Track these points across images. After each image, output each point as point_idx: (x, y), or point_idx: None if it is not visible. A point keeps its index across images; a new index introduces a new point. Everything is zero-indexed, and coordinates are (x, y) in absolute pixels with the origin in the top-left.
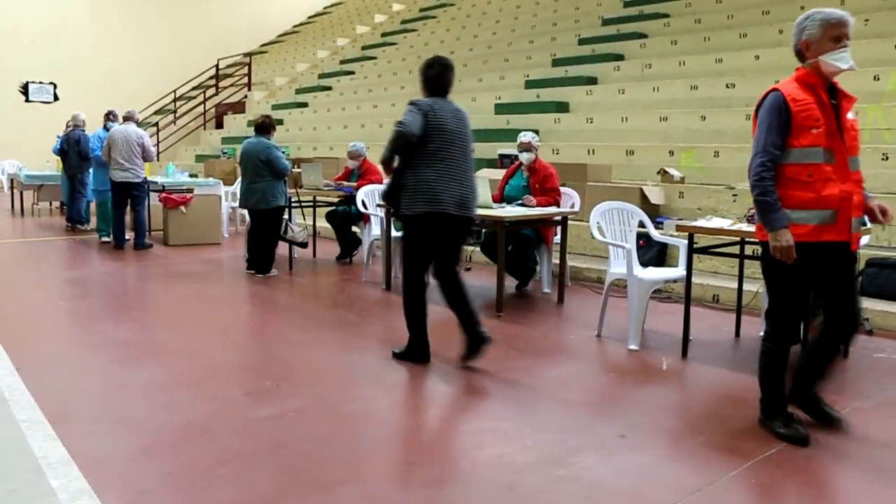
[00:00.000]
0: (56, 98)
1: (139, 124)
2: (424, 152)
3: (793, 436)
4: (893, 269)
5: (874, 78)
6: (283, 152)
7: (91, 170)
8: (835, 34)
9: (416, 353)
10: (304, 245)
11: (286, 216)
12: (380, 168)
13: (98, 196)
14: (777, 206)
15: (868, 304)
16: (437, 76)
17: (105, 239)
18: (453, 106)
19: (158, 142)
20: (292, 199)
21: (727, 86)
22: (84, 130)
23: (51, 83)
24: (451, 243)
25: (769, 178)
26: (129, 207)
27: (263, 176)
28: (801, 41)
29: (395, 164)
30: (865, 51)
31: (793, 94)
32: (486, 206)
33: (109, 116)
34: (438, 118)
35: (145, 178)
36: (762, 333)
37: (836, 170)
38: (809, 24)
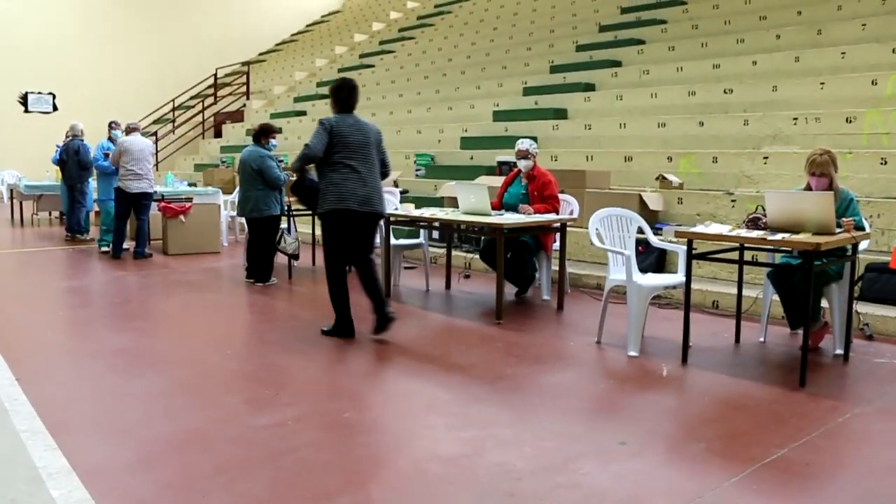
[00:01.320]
0: (55, 108)
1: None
2: (331, 161)
3: None
4: (893, 273)
5: (872, 82)
6: (282, 161)
7: (91, 179)
8: None
9: (342, 329)
10: (294, 257)
11: (284, 226)
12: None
13: (103, 206)
14: None
15: (867, 309)
16: (348, 97)
17: (105, 249)
18: (357, 120)
19: (157, 151)
20: (291, 208)
21: (725, 91)
22: (83, 140)
23: (50, 93)
24: (360, 235)
25: None
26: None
27: (257, 185)
28: None
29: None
30: (863, 55)
31: None
32: (485, 213)
33: (112, 126)
34: (342, 133)
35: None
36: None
37: None
38: None
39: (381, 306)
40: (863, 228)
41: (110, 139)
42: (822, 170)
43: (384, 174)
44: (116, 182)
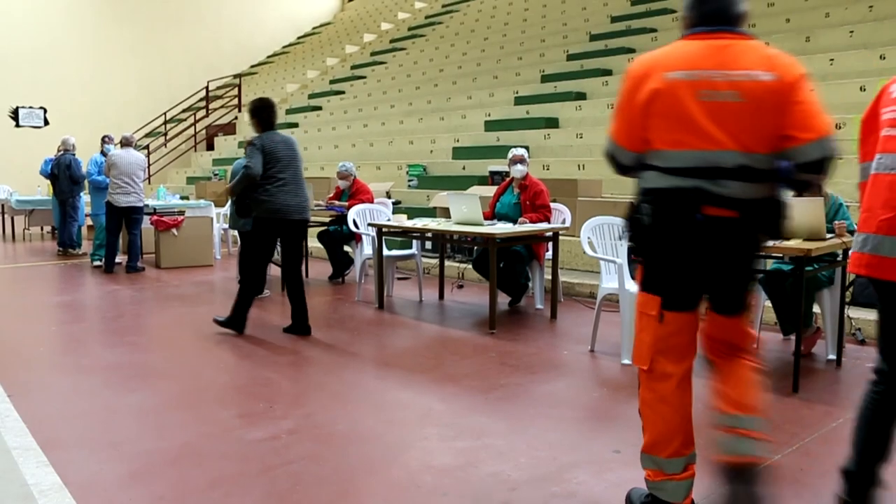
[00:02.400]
0: (46, 122)
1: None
2: (266, 175)
3: None
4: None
5: (860, 88)
6: None
7: (82, 194)
8: None
9: (234, 324)
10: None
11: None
12: (369, 187)
13: (96, 220)
14: None
15: (859, 314)
16: (269, 117)
17: (97, 263)
18: (282, 136)
19: (149, 164)
20: None
21: None
22: (74, 154)
23: (41, 108)
24: (292, 243)
25: None
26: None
27: None
28: None
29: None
30: (851, 62)
31: None
32: (477, 223)
33: (105, 140)
34: (273, 149)
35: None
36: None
37: None
38: None
39: (302, 317)
40: (854, 232)
41: (103, 153)
42: None
43: None
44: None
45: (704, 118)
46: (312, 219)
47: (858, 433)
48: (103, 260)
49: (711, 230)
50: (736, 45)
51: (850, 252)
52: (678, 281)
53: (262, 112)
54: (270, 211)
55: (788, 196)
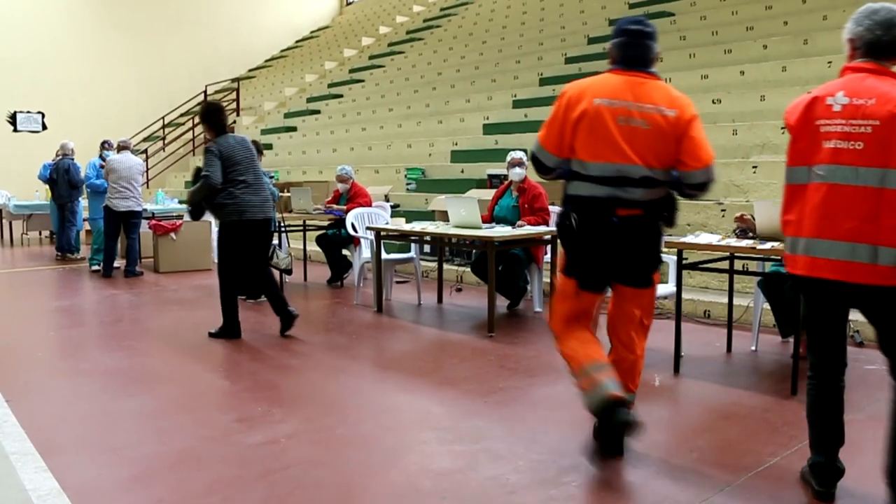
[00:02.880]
0: (44, 127)
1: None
2: (228, 180)
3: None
4: None
5: None
6: (272, 177)
7: (80, 199)
8: None
9: (229, 332)
10: (287, 272)
11: (275, 241)
12: (367, 191)
13: (95, 225)
14: None
15: (857, 317)
16: (219, 120)
17: (95, 268)
18: (237, 138)
19: (147, 169)
20: (281, 224)
21: (713, 101)
22: (73, 159)
23: (39, 112)
24: (258, 243)
25: None
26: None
27: None
28: None
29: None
30: None
31: None
32: (475, 226)
33: (105, 145)
34: (230, 153)
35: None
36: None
37: None
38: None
39: (284, 308)
40: None
41: (101, 158)
42: None
43: None
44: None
45: (620, 138)
46: (310, 222)
47: (812, 427)
48: (101, 264)
49: (623, 227)
50: (648, 84)
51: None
52: (593, 269)
53: (212, 116)
54: (236, 213)
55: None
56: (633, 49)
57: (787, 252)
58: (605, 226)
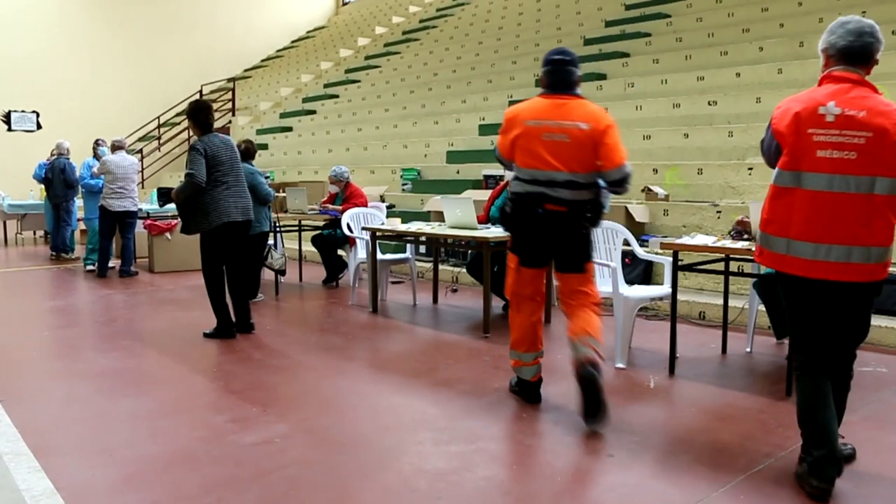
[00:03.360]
0: (39, 126)
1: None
2: (211, 180)
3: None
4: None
5: None
6: (267, 177)
7: (76, 198)
8: None
9: (223, 332)
10: (282, 272)
11: (270, 241)
12: (363, 191)
13: (90, 224)
14: None
15: None
16: (206, 118)
17: (90, 268)
18: (221, 138)
19: (143, 168)
20: (277, 225)
21: (709, 103)
22: (69, 159)
23: (33, 112)
24: (237, 245)
25: None
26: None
27: None
28: None
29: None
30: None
31: None
32: (471, 227)
33: (99, 143)
34: (215, 153)
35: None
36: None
37: None
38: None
39: (246, 317)
40: None
41: (96, 157)
42: None
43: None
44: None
45: (545, 151)
46: (306, 223)
47: (809, 424)
48: (96, 264)
49: (548, 219)
50: (569, 103)
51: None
52: (528, 249)
53: (199, 114)
54: (218, 215)
55: (607, 199)
56: (556, 75)
57: (767, 248)
58: (533, 216)
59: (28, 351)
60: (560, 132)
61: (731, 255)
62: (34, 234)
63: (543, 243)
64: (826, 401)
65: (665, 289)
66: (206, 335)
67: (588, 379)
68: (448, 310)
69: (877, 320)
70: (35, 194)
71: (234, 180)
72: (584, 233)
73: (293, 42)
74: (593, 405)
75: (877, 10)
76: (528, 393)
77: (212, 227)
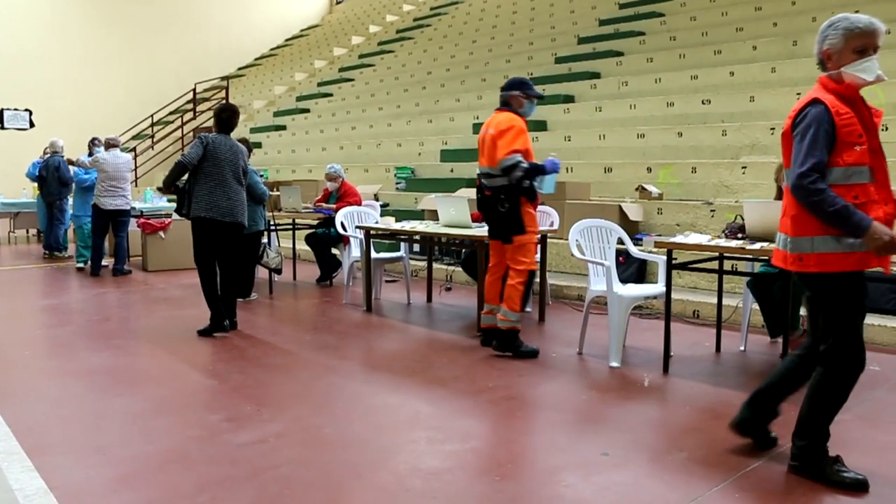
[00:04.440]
0: (32, 125)
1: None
2: (202, 173)
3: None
4: (869, 281)
5: None
6: (262, 176)
7: (69, 197)
8: (858, 45)
9: (216, 327)
10: (277, 271)
11: (265, 240)
12: (357, 190)
13: (77, 221)
14: (852, 207)
15: None
16: (228, 119)
17: (81, 265)
18: (231, 142)
19: (136, 167)
20: (271, 223)
21: (703, 102)
22: (63, 157)
23: (26, 110)
24: (222, 242)
25: (825, 186)
26: (107, 234)
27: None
28: (822, 50)
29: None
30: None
31: (836, 107)
32: (465, 225)
33: (94, 142)
34: (215, 149)
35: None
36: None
37: (878, 190)
38: (832, 33)
39: (230, 313)
40: None
41: (91, 156)
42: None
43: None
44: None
45: (480, 151)
46: (300, 221)
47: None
48: (88, 262)
49: (484, 200)
50: (495, 115)
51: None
52: (488, 224)
53: (222, 113)
54: (198, 207)
55: (541, 182)
56: (503, 94)
57: (847, 251)
58: (481, 198)
59: (21, 349)
60: (483, 136)
61: (725, 254)
62: (27, 232)
63: (487, 219)
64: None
65: (659, 287)
66: (199, 333)
67: (490, 332)
68: (442, 308)
69: (870, 318)
70: (28, 192)
71: (228, 181)
72: (502, 210)
73: (287, 40)
74: (491, 339)
75: (870, 9)
76: (484, 337)
77: (190, 216)
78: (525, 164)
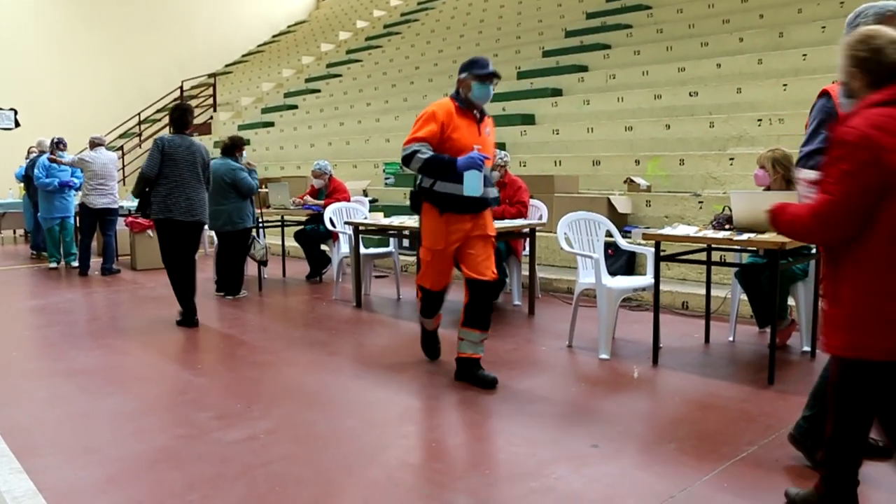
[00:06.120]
0: (17, 124)
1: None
2: (162, 175)
3: None
4: None
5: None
6: (255, 172)
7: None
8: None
9: (187, 318)
10: (263, 263)
11: (254, 233)
12: (345, 186)
13: (46, 224)
14: None
15: None
16: (180, 118)
17: (54, 265)
18: (188, 141)
19: (124, 165)
20: (259, 220)
21: (690, 94)
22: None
23: (11, 109)
24: (183, 240)
25: None
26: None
27: (229, 198)
28: None
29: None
30: (823, 57)
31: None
32: None
33: (59, 146)
34: (172, 151)
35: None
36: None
37: None
38: (862, 21)
39: (190, 308)
40: None
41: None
42: (760, 162)
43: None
44: (70, 198)
45: None
46: (288, 218)
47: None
48: (62, 261)
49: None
50: None
51: None
52: None
53: (174, 112)
54: (159, 210)
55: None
56: None
57: None
58: None
59: (8, 350)
60: None
61: (714, 245)
62: (14, 232)
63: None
64: None
65: (648, 279)
66: (178, 323)
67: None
68: None
69: None
70: (14, 192)
71: (188, 180)
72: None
73: (274, 37)
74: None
75: (853, 1)
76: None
77: (155, 217)
78: (424, 156)
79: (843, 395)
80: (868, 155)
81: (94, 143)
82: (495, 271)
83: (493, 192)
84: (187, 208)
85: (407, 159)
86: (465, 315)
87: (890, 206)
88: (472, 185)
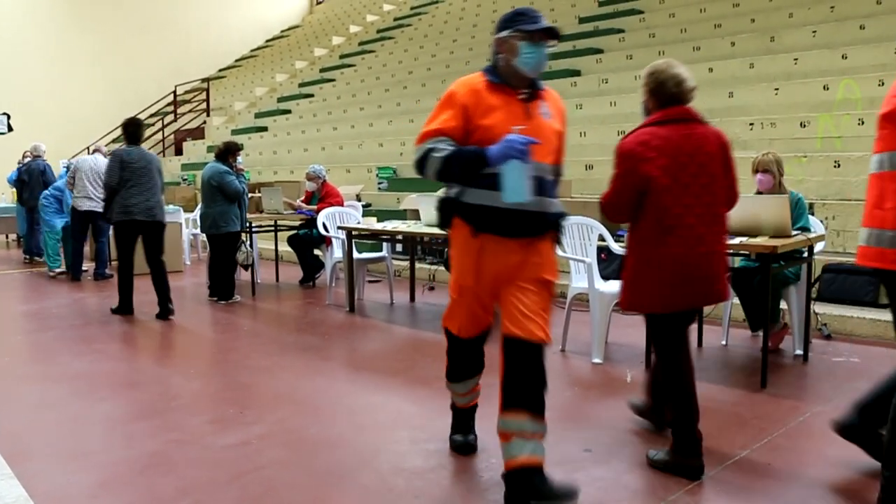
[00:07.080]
0: (10, 129)
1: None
2: (122, 182)
3: None
4: (849, 274)
5: (823, 87)
6: (244, 177)
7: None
8: None
9: (123, 309)
10: (244, 266)
11: (247, 240)
12: (338, 190)
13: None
14: None
15: (825, 310)
16: (134, 132)
17: (59, 270)
18: (142, 151)
19: None
20: (252, 224)
21: None
22: (45, 160)
23: (4, 114)
24: (146, 241)
25: None
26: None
27: (216, 201)
28: None
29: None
30: (814, 62)
31: None
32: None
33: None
34: (130, 161)
35: None
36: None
37: None
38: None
39: (166, 302)
40: (808, 229)
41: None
42: (763, 167)
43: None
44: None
45: None
46: (282, 223)
47: None
48: (60, 268)
49: None
50: None
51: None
52: None
53: (128, 127)
54: (118, 212)
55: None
56: None
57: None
58: None
59: (0, 356)
60: None
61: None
62: (6, 237)
63: None
64: None
65: None
66: (112, 310)
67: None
68: (425, 308)
69: (848, 311)
70: (7, 197)
71: (145, 185)
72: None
73: (267, 41)
74: None
75: (844, 6)
76: None
77: (114, 220)
78: (441, 154)
79: (656, 342)
80: (631, 163)
81: (95, 150)
82: (548, 333)
83: (557, 205)
84: (144, 208)
85: (420, 164)
86: (505, 393)
87: (651, 200)
88: (514, 184)
